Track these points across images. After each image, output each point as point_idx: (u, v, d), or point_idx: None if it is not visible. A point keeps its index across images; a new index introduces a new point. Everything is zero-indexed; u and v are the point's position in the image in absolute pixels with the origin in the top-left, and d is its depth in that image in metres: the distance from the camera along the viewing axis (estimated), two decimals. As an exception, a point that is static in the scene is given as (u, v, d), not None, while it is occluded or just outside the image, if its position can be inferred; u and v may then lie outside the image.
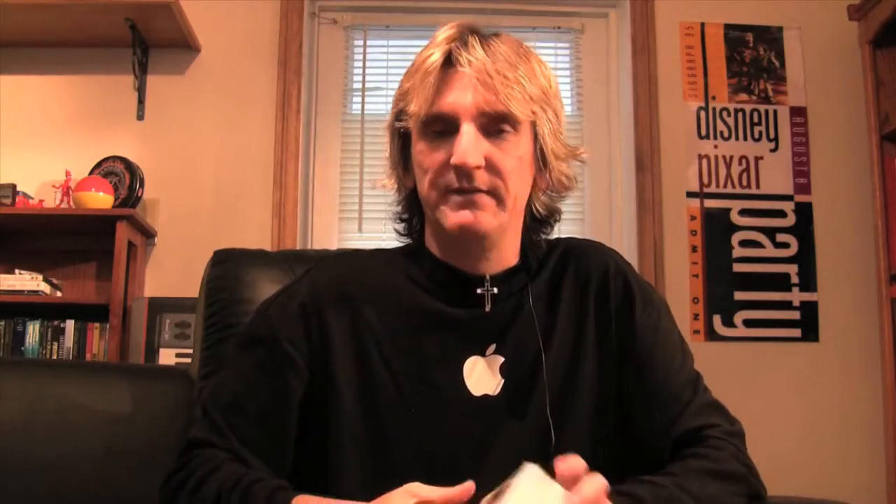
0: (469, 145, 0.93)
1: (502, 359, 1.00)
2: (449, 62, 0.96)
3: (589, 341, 1.02)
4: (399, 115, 1.01)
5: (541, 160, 1.01)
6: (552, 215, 1.06)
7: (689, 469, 0.93)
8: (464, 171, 0.94)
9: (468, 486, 0.80)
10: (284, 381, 0.99)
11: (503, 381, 0.99)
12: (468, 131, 0.94)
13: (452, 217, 0.96)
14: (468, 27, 0.99)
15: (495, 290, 1.01)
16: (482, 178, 0.95)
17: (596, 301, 1.04)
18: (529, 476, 0.76)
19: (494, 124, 0.96)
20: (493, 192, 0.96)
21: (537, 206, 1.04)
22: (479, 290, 1.01)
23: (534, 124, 0.99)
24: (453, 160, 0.93)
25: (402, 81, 1.01)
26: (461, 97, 0.95)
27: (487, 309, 1.01)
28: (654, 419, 1.00)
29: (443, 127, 0.96)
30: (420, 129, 0.98)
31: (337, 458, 0.97)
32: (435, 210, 0.98)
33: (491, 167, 0.95)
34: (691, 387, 1.02)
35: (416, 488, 0.80)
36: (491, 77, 0.94)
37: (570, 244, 1.10)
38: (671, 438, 0.98)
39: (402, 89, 1.00)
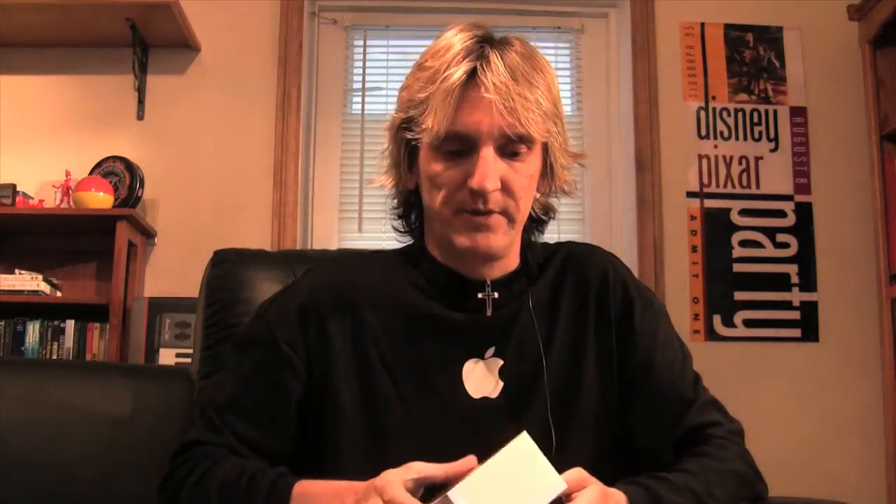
0: (488, 169, 0.93)
1: (501, 362, 1.00)
2: (469, 78, 0.94)
3: (589, 346, 1.02)
4: (409, 121, 0.99)
5: (549, 173, 1.02)
6: (547, 213, 1.07)
7: (702, 467, 0.94)
8: (480, 194, 0.94)
9: (469, 460, 0.80)
10: (282, 382, 0.99)
11: (502, 384, 0.99)
12: (487, 155, 0.94)
13: (464, 240, 0.96)
14: (484, 38, 0.97)
15: (496, 294, 1.01)
16: (496, 200, 0.95)
17: (596, 306, 1.04)
18: (519, 446, 0.78)
19: (512, 146, 0.95)
20: (505, 213, 0.96)
21: (534, 208, 1.05)
22: (479, 295, 1.01)
23: (546, 141, 0.99)
24: (473, 184, 0.93)
25: (413, 87, 0.98)
26: (483, 119, 0.93)
27: (489, 313, 1.01)
28: (657, 420, 1.01)
29: (459, 146, 0.95)
30: (435, 145, 0.96)
31: (335, 460, 0.96)
32: (446, 227, 0.98)
33: (505, 188, 0.95)
34: (692, 387, 1.04)
35: (417, 465, 0.81)
36: (513, 100, 0.93)
37: (570, 250, 1.10)
38: (674, 438, 0.99)
39: (416, 98, 0.97)
